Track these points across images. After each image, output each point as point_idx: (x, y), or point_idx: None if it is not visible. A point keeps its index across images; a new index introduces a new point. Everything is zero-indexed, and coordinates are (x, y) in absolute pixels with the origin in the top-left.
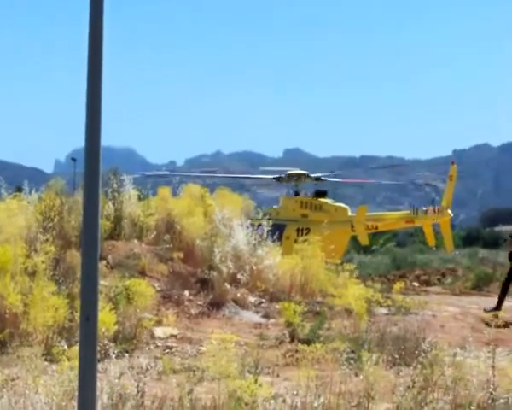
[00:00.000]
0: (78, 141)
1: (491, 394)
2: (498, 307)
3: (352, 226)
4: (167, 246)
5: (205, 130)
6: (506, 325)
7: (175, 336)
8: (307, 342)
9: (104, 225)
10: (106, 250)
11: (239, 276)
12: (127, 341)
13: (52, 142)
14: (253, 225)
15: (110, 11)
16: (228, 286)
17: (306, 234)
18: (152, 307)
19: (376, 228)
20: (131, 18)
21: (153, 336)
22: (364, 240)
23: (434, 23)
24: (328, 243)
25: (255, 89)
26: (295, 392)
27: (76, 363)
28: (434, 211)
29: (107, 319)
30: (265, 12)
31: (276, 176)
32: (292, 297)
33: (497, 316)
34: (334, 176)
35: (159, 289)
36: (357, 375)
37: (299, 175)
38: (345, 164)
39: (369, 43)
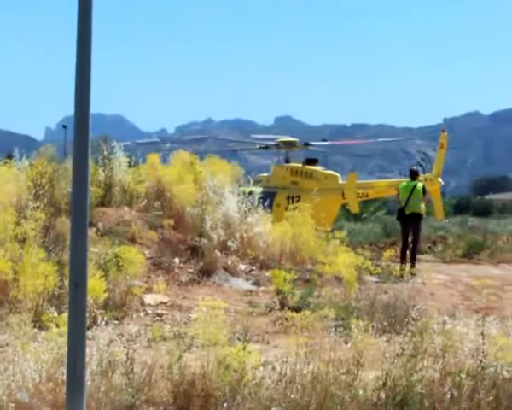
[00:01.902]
0: (69, 108)
1: (481, 361)
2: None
3: (343, 194)
4: (157, 213)
5: (196, 97)
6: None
7: (165, 303)
8: (297, 309)
9: (94, 192)
10: (96, 217)
11: (229, 243)
12: (117, 308)
13: (43, 109)
14: (243, 192)
15: None
16: (218, 253)
17: (297, 201)
18: (142, 275)
19: (367, 196)
20: None
21: (143, 303)
22: (355, 208)
23: None
24: (318, 210)
25: (247, 56)
26: (285, 359)
27: (65, 330)
28: (425, 179)
29: (96, 286)
30: None
31: (266, 144)
32: (282, 265)
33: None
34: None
35: (149, 256)
36: (346, 343)
37: (289, 143)
38: (335, 132)
39: (360, 11)
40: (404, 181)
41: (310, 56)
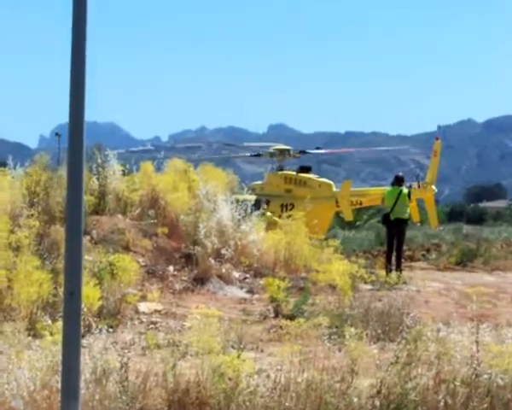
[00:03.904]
0: (63, 116)
1: (475, 369)
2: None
3: (337, 202)
4: (152, 221)
5: (189, 105)
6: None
7: (159, 311)
8: (291, 317)
9: (88, 200)
10: (90, 225)
11: (223, 251)
12: (111, 316)
13: (37, 117)
14: (237, 200)
15: None
16: (212, 261)
17: (291, 209)
18: (136, 283)
19: (361, 203)
20: None
21: (137, 311)
22: (349, 215)
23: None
24: (312, 218)
25: (241, 65)
26: (279, 367)
27: (60, 338)
28: (418, 186)
29: (91, 294)
30: None
31: (259, 152)
32: (276, 273)
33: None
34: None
35: (143, 264)
36: (340, 350)
37: (283, 150)
38: (329, 139)
39: (352, 19)
40: (390, 187)
41: (304, 64)
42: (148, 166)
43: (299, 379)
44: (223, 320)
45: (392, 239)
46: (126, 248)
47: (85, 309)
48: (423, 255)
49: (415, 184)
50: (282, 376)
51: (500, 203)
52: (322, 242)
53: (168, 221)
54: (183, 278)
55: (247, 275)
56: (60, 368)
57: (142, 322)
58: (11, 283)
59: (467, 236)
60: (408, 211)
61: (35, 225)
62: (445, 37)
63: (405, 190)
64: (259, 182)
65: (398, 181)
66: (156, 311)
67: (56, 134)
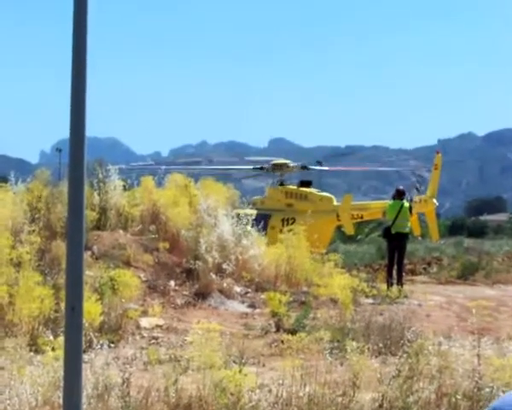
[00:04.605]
0: (64, 132)
1: (477, 382)
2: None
3: (338, 216)
4: (153, 236)
5: (190, 120)
6: None
7: (160, 326)
8: (293, 331)
9: (90, 215)
10: (91, 241)
11: (224, 266)
12: (113, 331)
13: (37, 132)
14: (238, 215)
15: (95, 3)
16: (213, 276)
17: (292, 224)
18: (137, 298)
19: (361, 217)
20: (116, 9)
21: (138, 326)
22: (350, 229)
23: (419, 10)
24: (313, 232)
25: (241, 79)
26: (281, 382)
27: (61, 353)
28: (420, 200)
29: (92, 309)
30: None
31: (260, 166)
32: (277, 287)
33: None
34: (320, 166)
35: (144, 279)
36: (342, 365)
37: (283, 165)
38: (330, 154)
39: (353, 34)
40: (391, 201)
41: (304, 78)
42: (148, 181)
43: (301, 394)
44: (224, 335)
45: (393, 253)
46: (127, 264)
47: (87, 325)
48: (424, 269)
49: (416, 198)
50: (283, 390)
51: (501, 216)
52: (323, 256)
53: (169, 236)
54: (185, 292)
55: (249, 290)
56: (61, 384)
57: (143, 337)
58: (13, 298)
59: (468, 249)
60: (409, 225)
61: (36, 241)
62: (444, 50)
63: (407, 204)
64: (260, 196)
65: (399, 194)
66: (157, 326)
67: (57, 149)
